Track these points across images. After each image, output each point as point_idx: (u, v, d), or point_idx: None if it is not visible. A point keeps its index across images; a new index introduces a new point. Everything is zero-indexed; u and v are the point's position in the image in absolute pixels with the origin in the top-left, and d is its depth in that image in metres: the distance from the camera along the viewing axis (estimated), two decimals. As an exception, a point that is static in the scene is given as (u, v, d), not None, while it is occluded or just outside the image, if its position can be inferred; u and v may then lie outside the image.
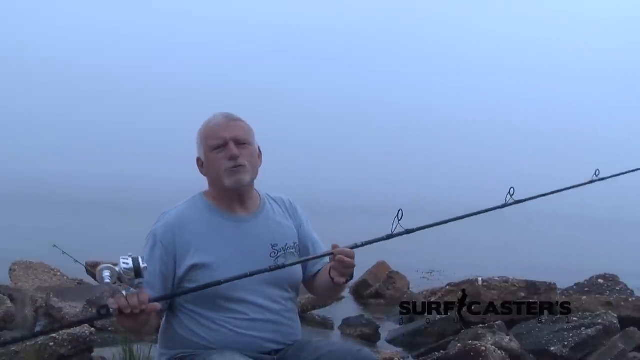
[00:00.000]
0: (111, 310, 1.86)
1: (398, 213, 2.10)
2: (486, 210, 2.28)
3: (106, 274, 1.82)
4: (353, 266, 2.12)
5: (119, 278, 1.83)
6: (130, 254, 1.85)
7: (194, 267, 2.15)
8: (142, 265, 1.83)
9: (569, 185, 2.41)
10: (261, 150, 2.31)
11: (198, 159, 2.29)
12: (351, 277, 2.15)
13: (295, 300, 2.33)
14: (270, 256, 2.23)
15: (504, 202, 2.25)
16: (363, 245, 2.14)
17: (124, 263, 1.83)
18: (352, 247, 2.13)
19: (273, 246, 2.24)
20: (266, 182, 2.35)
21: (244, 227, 2.24)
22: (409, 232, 2.13)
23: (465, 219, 2.26)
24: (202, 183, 2.33)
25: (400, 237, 2.13)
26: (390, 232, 2.12)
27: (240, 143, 2.21)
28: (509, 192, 2.23)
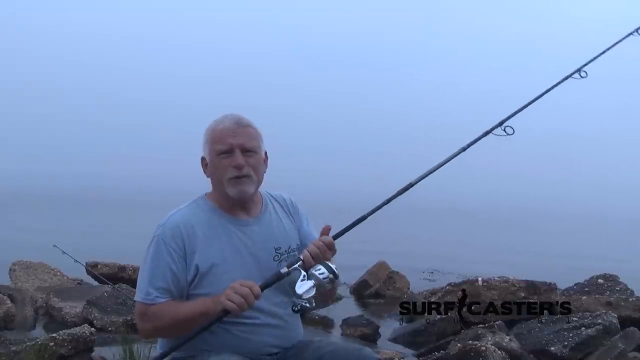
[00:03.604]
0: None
1: None
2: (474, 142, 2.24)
3: (311, 289, 2.00)
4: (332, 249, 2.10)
5: (319, 286, 2.01)
6: (318, 267, 2.02)
7: (200, 272, 2.13)
8: (335, 268, 2.04)
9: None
10: (267, 154, 2.28)
11: (202, 159, 2.26)
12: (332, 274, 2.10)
13: None
14: (274, 260, 2.21)
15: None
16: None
17: (320, 274, 2.01)
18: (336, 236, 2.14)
19: (276, 249, 2.22)
20: (267, 180, 2.32)
21: (247, 230, 2.22)
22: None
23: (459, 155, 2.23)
24: (203, 184, 2.31)
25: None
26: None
27: (247, 150, 2.19)
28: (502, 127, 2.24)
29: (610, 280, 6.43)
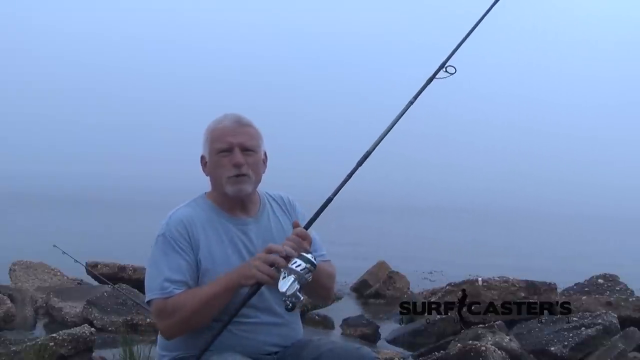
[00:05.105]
0: None
1: None
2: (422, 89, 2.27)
3: (293, 284, 1.99)
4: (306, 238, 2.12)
5: (298, 281, 2.01)
6: (294, 261, 2.02)
7: (201, 268, 2.14)
8: (312, 258, 2.03)
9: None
10: (267, 155, 2.29)
11: (202, 157, 2.27)
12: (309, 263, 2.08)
13: None
14: None
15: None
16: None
17: (297, 267, 2.01)
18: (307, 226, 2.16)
19: None
20: (267, 180, 2.33)
21: (246, 229, 2.23)
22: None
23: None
24: (203, 184, 2.32)
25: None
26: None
27: (247, 149, 2.20)
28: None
29: (610, 280, 6.42)
